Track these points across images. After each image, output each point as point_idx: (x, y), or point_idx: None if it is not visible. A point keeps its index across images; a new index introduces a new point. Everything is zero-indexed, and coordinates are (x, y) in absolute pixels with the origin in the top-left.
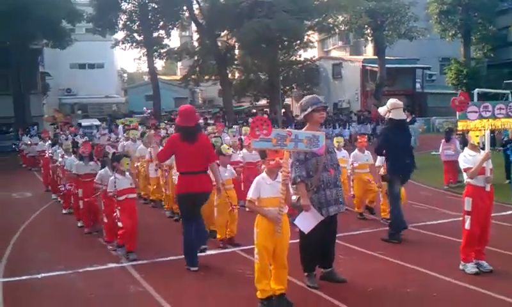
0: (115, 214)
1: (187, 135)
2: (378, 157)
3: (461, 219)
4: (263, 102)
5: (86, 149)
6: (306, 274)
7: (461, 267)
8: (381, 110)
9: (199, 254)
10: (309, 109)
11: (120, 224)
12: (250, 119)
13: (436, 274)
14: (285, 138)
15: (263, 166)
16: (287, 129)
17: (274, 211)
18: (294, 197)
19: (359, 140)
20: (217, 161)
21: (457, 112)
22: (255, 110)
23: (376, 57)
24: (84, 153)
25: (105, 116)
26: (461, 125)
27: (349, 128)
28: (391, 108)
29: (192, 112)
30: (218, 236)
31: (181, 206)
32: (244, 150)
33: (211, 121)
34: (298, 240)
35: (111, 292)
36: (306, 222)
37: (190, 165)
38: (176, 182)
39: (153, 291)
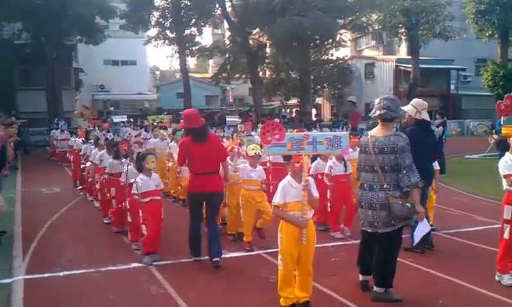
0: (141, 216)
1: (198, 136)
2: None
3: (497, 226)
4: (293, 101)
5: (125, 148)
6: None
7: (496, 278)
8: (409, 108)
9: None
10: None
11: (144, 230)
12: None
13: (470, 285)
14: (302, 141)
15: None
16: (304, 132)
17: (299, 215)
18: (409, 204)
19: None
20: (228, 157)
21: (502, 117)
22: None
23: (409, 57)
24: (125, 151)
25: (137, 112)
26: (505, 130)
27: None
28: (421, 108)
29: (197, 114)
30: (245, 238)
31: (190, 203)
32: None
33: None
34: (322, 245)
35: (132, 293)
36: (420, 232)
37: (202, 166)
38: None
39: (174, 293)
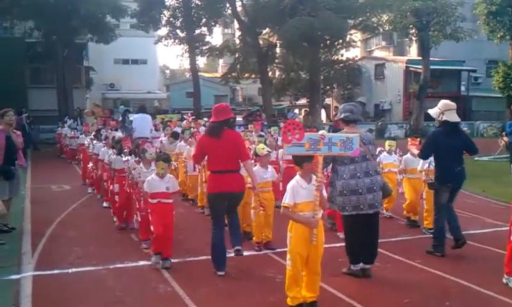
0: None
1: (211, 130)
2: (421, 161)
3: (505, 229)
4: (303, 101)
5: (128, 144)
6: None
7: (504, 280)
8: (433, 111)
9: (234, 255)
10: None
11: (152, 228)
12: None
13: (478, 287)
14: (319, 142)
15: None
16: (320, 133)
17: (310, 215)
18: None
19: (410, 143)
20: (252, 160)
21: None
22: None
23: (420, 58)
24: (128, 147)
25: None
26: None
27: None
28: (444, 109)
29: (223, 108)
30: (254, 238)
31: (211, 207)
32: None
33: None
34: (331, 245)
35: (139, 291)
36: None
37: (219, 164)
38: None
39: (181, 292)
